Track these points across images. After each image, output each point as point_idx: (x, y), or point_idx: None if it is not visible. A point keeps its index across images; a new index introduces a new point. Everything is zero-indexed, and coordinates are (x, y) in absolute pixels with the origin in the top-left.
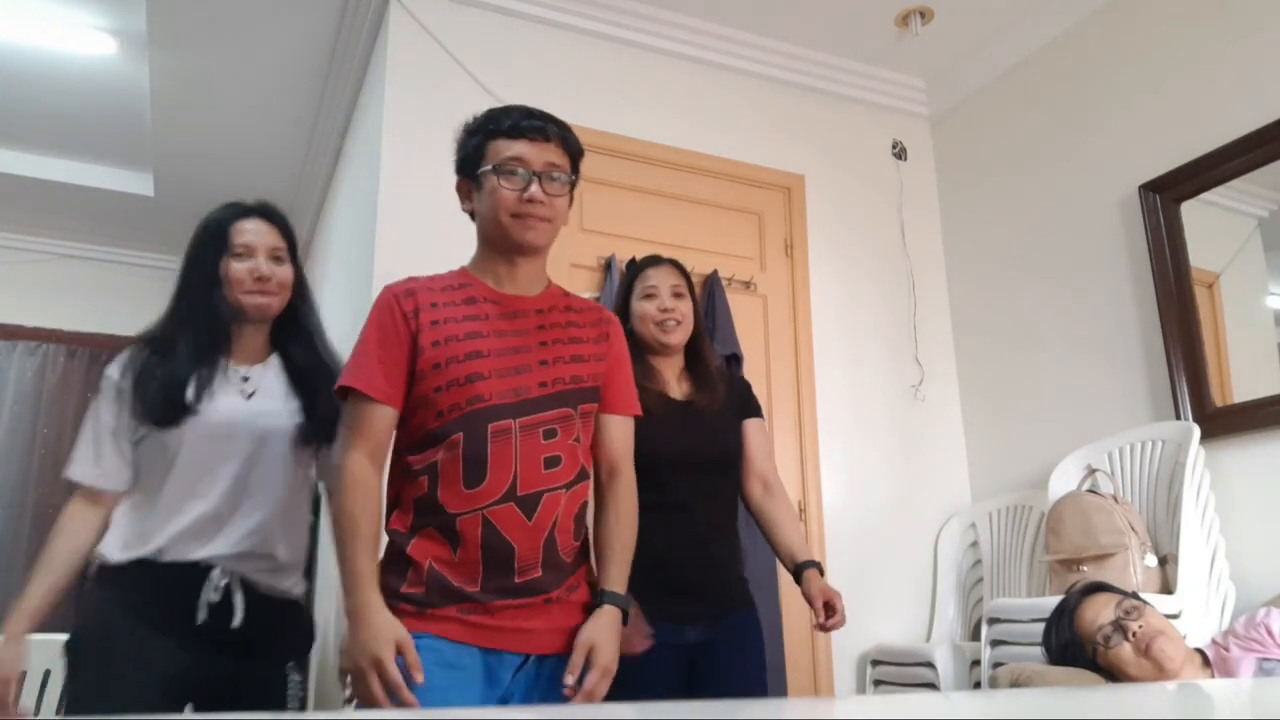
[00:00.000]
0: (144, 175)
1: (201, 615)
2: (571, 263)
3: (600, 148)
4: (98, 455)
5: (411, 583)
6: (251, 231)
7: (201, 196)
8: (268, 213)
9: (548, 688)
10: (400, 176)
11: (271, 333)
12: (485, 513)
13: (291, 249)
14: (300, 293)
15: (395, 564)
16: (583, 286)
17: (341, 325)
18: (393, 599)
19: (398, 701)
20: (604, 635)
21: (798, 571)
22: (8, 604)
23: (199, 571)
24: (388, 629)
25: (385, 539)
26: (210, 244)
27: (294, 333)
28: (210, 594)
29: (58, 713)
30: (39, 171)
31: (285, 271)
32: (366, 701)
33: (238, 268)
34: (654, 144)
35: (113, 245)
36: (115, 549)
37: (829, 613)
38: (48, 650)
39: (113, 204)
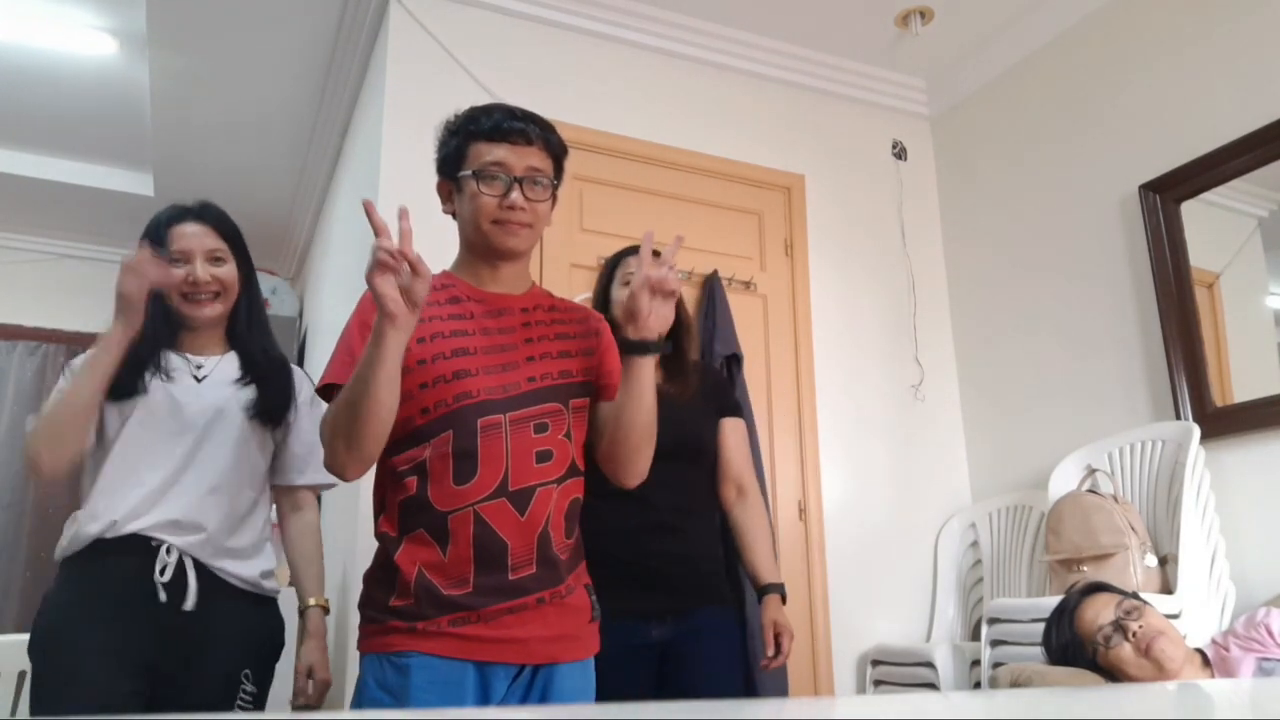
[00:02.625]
0: (144, 175)
1: (160, 595)
2: (571, 263)
3: (600, 148)
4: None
5: (399, 593)
6: (188, 235)
7: (201, 197)
8: (205, 214)
9: (540, 699)
10: (400, 176)
11: (227, 328)
12: (476, 509)
13: (235, 247)
14: (249, 287)
15: (383, 573)
16: (583, 286)
17: (341, 326)
18: (381, 613)
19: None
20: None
21: (760, 593)
22: (7, 604)
23: (149, 550)
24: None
25: (375, 543)
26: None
27: (248, 326)
28: (160, 575)
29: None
30: (39, 171)
31: (226, 271)
32: (382, 282)
33: (173, 274)
34: (654, 144)
35: (113, 245)
36: (71, 535)
37: (776, 648)
38: (26, 651)
39: (113, 204)
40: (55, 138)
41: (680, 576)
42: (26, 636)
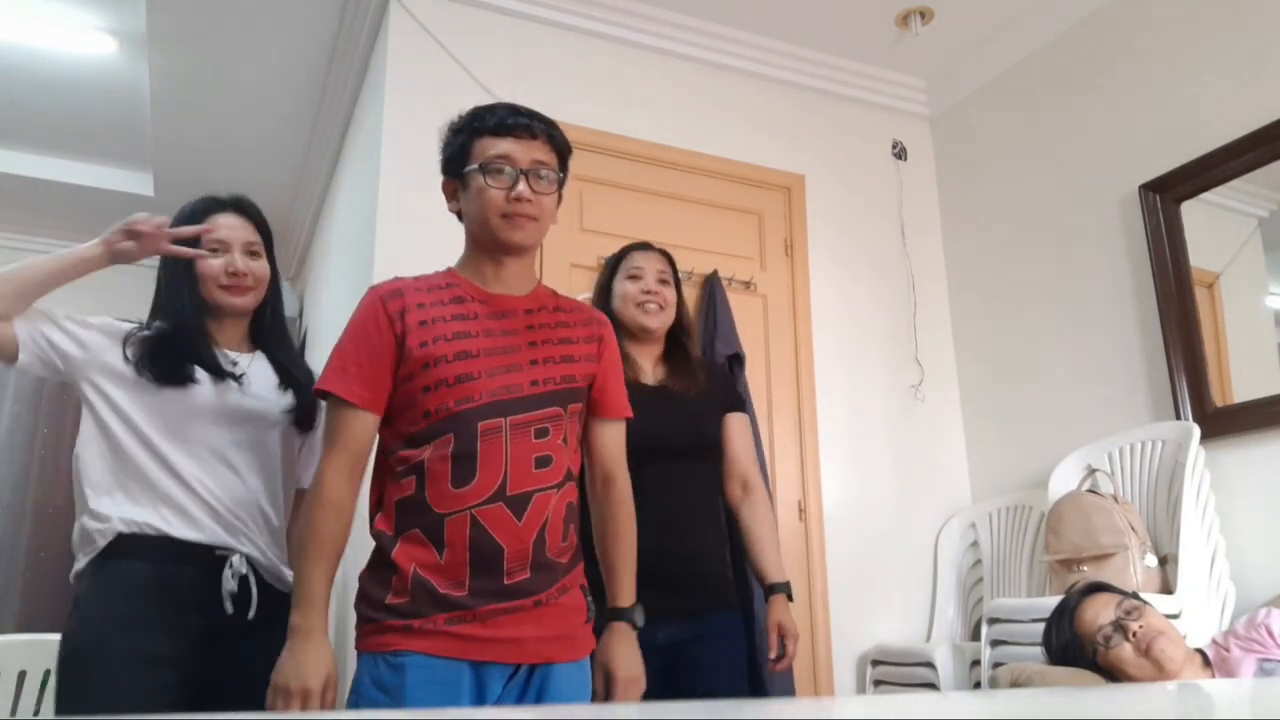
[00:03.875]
0: (144, 175)
1: (228, 606)
2: (571, 263)
3: (600, 148)
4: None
5: (396, 591)
6: (226, 227)
7: (211, 192)
8: (243, 207)
9: (536, 699)
10: (400, 176)
11: (250, 328)
12: (473, 512)
13: (267, 244)
14: (275, 288)
15: (379, 570)
16: (583, 286)
17: (341, 325)
18: (377, 611)
19: None
20: (620, 651)
21: (766, 592)
22: (7, 604)
23: (213, 559)
24: (324, 665)
25: (372, 542)
26: (183, 239)
27: (273, 329)
28: (229, 582)
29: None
30: (39, 171)
31: (261, 266)
32: None
33: (212, 264)
34: (654, 144)
35: None
36: (99, 534)
37: (780, 650)
38: (25, 651)
39: (113, 204)
40: (55, 138)
41: (688, 578)
42: (27, 637)
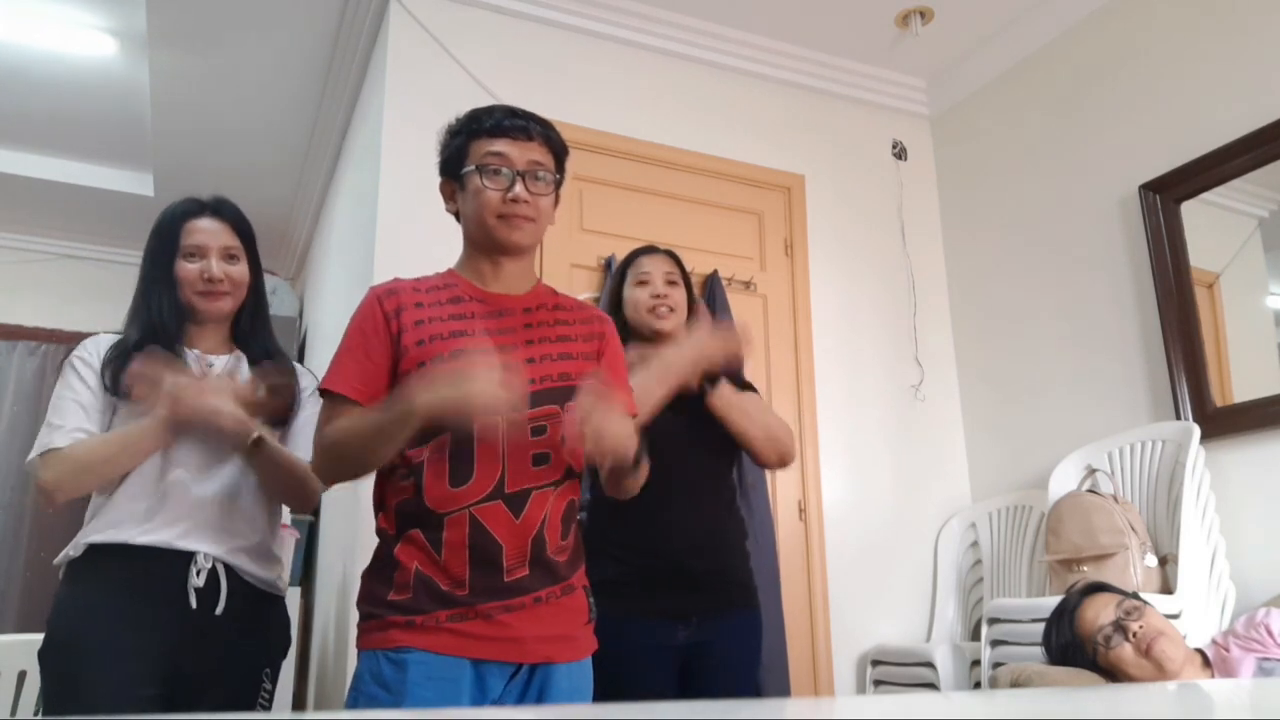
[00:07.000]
0: (144, 175)
1: (192, 601)
2: (571, 263)
3: (600, 148)
4: (66, 422)
5: (398, 588)
6: (203, 231)
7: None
8: (222, 210)
9: (537, 699)
10: (400, 176)
11: (232, 329)
12: (471, 510)
13: (248, 246)
14: (256, 289)
15: (381, 567)
16: (583, 286)
17: (341, 325)
18: (380, 608)
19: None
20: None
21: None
22: (7, 604)
23: (181, 557)
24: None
25: (375, 540)
26: (162, 244)
27: (253, 330)
28: (195, 579)
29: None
30: (39, 171)
31: (239, 270)
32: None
33: (189, 269)
34: (654, 144)
35: (113, 245)
36: (80, 538)
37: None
38: (25, 651)
39: (113, 204)
40: (55, 138)
41: (714, 574)
42: (26, 637)
